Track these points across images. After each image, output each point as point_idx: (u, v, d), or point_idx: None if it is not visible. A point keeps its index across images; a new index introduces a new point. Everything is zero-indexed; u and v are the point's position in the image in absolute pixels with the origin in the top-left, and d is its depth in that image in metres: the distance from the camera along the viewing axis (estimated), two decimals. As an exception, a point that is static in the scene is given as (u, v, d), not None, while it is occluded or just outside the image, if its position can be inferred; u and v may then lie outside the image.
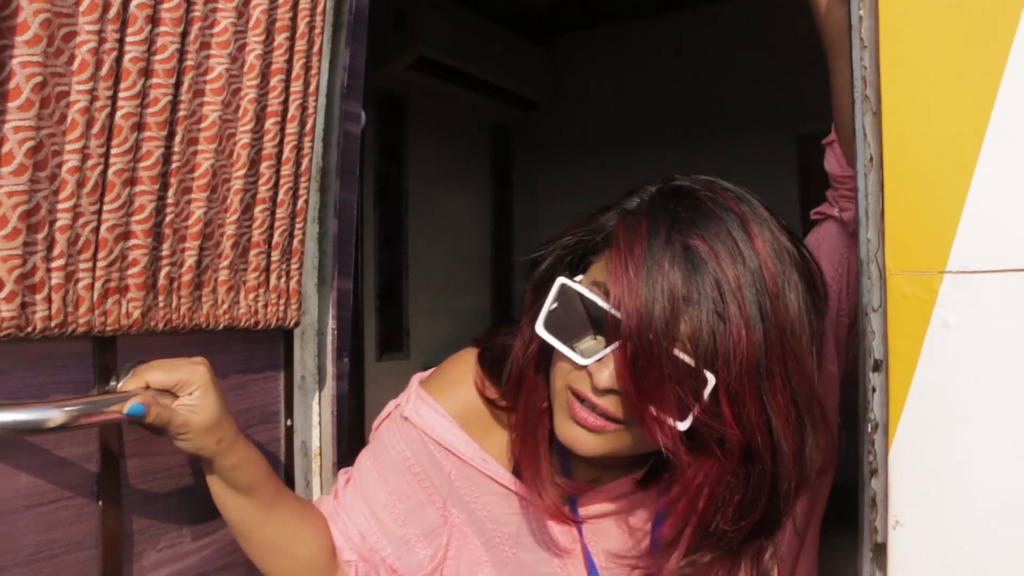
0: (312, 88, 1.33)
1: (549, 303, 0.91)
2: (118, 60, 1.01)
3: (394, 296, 4.07)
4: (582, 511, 1.06)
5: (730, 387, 0.81)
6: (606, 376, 0.85)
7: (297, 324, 1.39)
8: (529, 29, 4.44)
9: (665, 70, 4.45)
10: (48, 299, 0.96)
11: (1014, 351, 0.85)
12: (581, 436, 0.90)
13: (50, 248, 0.96)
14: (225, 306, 1.22)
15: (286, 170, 1.30)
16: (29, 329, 0.94)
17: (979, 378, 0.86)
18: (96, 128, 0.99)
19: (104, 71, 0.99)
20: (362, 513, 1.11)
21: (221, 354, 1.26)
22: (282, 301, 1.33)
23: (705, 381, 0.81)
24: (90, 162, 0.99)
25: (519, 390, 1.01)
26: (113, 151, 1.02)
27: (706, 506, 0.88)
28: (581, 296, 0.89)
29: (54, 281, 0.96)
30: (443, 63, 3.87)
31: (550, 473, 1.02)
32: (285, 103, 1.28)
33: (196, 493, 1.23)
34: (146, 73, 1.04)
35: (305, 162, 1.34)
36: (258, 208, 1.25)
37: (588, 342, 0.89)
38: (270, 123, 1.25)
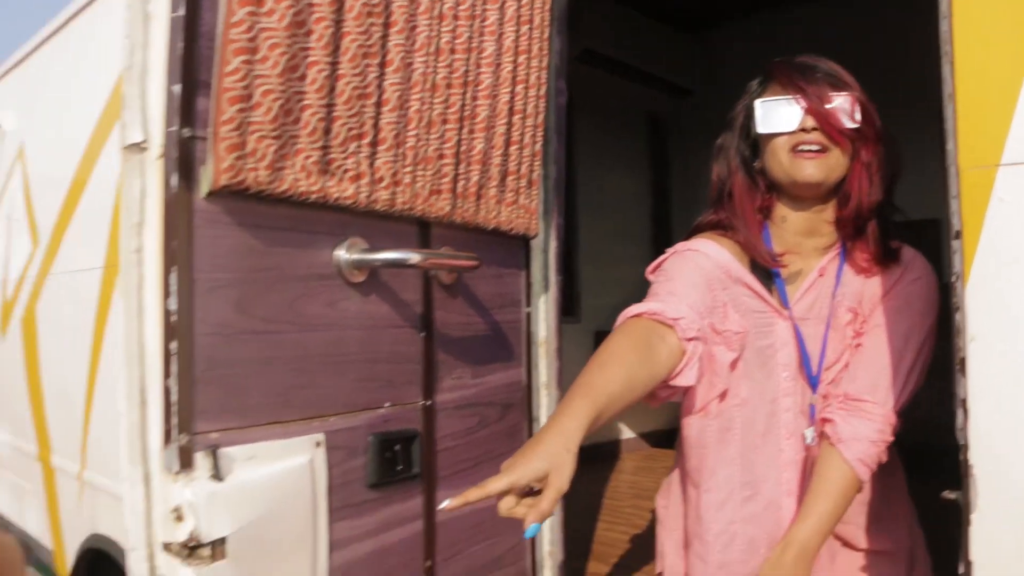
0: (544, 63, 1.93)
1: (759, 118, 1.48)
2: (438, 44, 1.62)
3: (567, 264, 4.60)
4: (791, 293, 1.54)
5: (860, 102, 1.44)
6: (810, 121, 1.43)
7: (536, 235, 1.97)
8: (683, 21, 4.90)
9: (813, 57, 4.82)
10: (403, 191, 1.57)
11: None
12: (808, 167, 1.43)
13: (403, 159, 1.57)
14: (493, 213, 1.81)
15: (529, 122, 1.89)
16: (393, 208, 1.55)
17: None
18: (428, 85, 1.60)
19: (432, 49, 1.60)
20: (678, 300, 1.48)
21: (489, 249, 1.85)
22: (526, 216, 1.92)
23: (851, 100, 1.42)
24: (425, 107, 1.60)
25: (733, 207, 1.55)
26: (435, 101, 1.63)
27: (869, 181, 1.45)
28: (774, 102, 1.47)
29: (406, 180, 1.58)
30: (605, 55, 4.39)
31: (767, 250, 1.54)
32: (527, 73, 1.87)
33: (473, 349, 1.82)
34: (451, 52, 1.66)
35: (541, 118, 1.93)
36: (512, 147, 1.85)
37: (786, 121, 1.46)
38: (519, 88, 1.85)
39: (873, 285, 1.53)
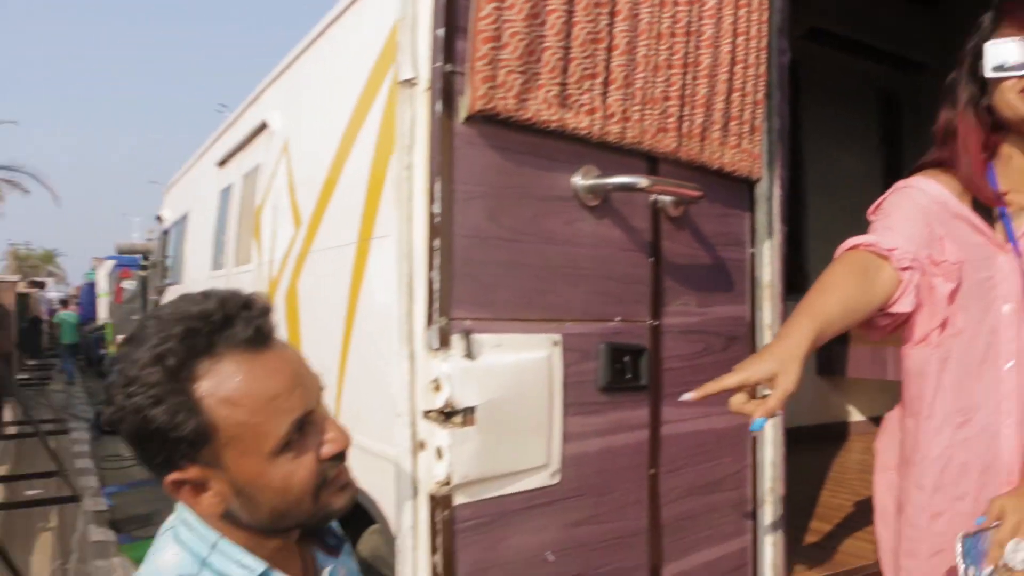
0: (764, 18, 2.05)
1: (988, 60, 1.51)
2: (661, 4, 1.80)
3: (794, 243, 4.54)
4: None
5: None
6: None
7: (759, 179, 2.09)
8: None
9: None
10: (633, 127, 1.76)
11: None
12: None
13: (632, 98, 1.76)
14: (717, 154, 1.96)
15: (750, 72, 2.02)
16: (623, 141, 1.74)
17: None
18: (654, 33, 1.78)
19: (657, 1, 1.78)
20: (893, 234, 1.62)
21: (713, 189, 1.99)
22: (750, 160, 2.04)
23: None
24: (651, 52, 1.78)
25: (957, 145, 1.61)
26: (661, 48, 1.81)
27: None
28: (1003, 42, 1.49)
29: (635, 116, 1.76)
30: (832, 32, 4.32)
31: (991, 187, 1.58)
32: (748, 26, 2.00)
33: (698, 279, 1.97)
34: (675, 5, 1.83)
35: (762, 68, 2.05)
36: (734, 94, 1.99)
37: (1016, 63, 1.49)
38: (740, 40, 1.99)
39: None
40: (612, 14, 1.72)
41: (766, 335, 2.18)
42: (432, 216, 1.51)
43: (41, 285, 20.74)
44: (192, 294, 1.06)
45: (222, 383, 1.00)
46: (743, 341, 2.11)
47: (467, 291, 1.54)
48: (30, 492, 6.97)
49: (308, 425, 1.07)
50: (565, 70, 1.65)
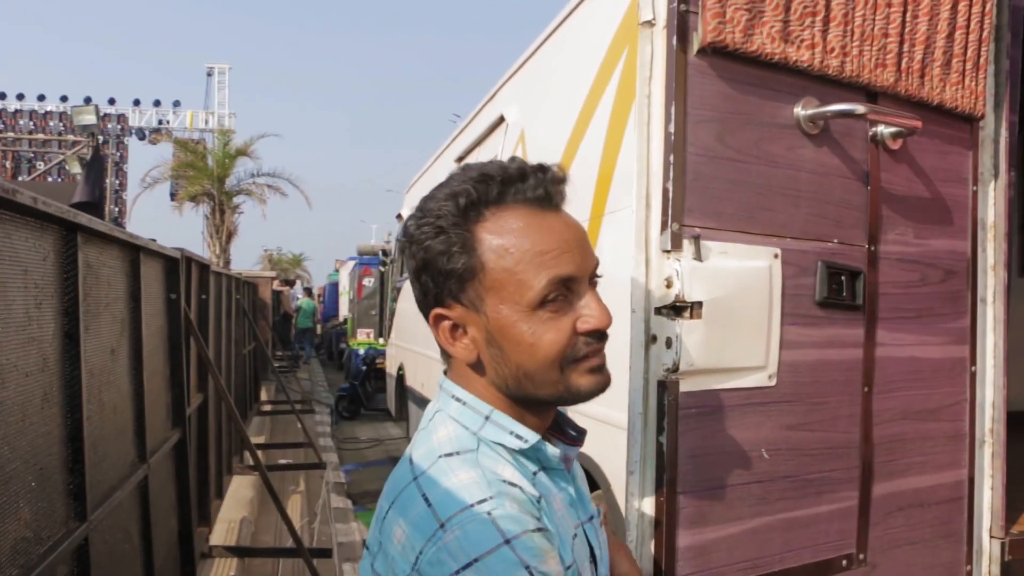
0: (992, -40, 2.13)
1: None
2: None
3: None
4: None
5: None
6: None
7: (982, 116, 2.17)
8: None
9: None
10: (851, 62, 1.91)
11: None
12: None
13: (851, 34, 1.92)
14: (937, 90, 2.07)
15: (975, 9, 2.11)
16: (842, 75, 1.90)
17: None
18: (875, -28, 1.93)
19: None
20: None
21: (933, 124, 2.10)
22: (972, 97, 2.13)
23: None
24: (872, -9, 1.93)
25: None
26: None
27: None
28: None
29: (854, 52, 1.92)
30: None
31: None
32: (974, -32, 2.10)
33: (914, 212, 2.09)
34: (899, -57, 1.97)
35: (989, 6, 2.13)
36: (958, 32, 2.09)
37: None
38: (964, -20, 2.08)
39: None
40: None
41: (989, 277, 2.25)
42: (668, 135, 1.74)
43: (291, 283, 23.05)
44: (498, 159, 1.16)
45: (501, 229, 1.07)
46: (961, 277, 2.20)
47: (697, 202, 1.76)
48: (283, 460, 7.87)
49: (572, 293, 1.09)
50: (788, 8, 1.84)
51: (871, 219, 2.01)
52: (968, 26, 2.11)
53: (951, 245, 2.18)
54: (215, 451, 5.20)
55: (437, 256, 1.08)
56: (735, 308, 1.77)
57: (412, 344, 7.30)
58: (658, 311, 1.75)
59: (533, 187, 1.09)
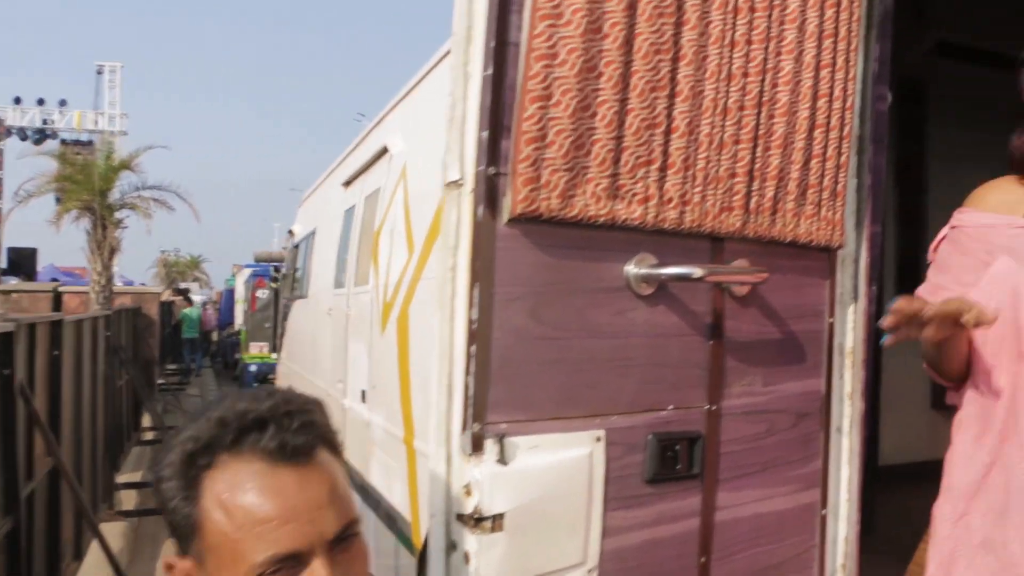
0: (851, 76, 1.97)
1: None
2: (729, 68, 1.76)
3: (913, 272, 4.41)
4: None
5: None
6: None
7: (840, 247, 2.03)
8: None
9: None
10: (692, 211, 1.74)
11: None
12: None
13: (694, 179, 1.74)
14: (791, 227, 1.92)
15: (832, 135, 1.95)
16: (681, 227, 1.74)
17: None
18: (719, 110, 1.75)
19: (723, 75, 1.75)
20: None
21: (785, 259, 1.96)
22: (829, 228, 1.99)
23: None
24: (715, 129, 1.76)
25: None
26: (727, 124, 1.77)
27: None
28: None
29: (695, 199, 1.75)
30: (963, 45, 4.11)
31: None
32: (831, 87, 1.94)
33: (765, 357, 1.95)
34: (744, 76, 1.79)
35: (846, 130, 1.98)
36: (813, 161, 1.93)
37: None
38: (821, 103, 1.92)
39: None
40: (671, 96, 1.71)
41: (846, 407, 2.14)
42: (470, 322, 1.55)
43: (184, 292, 22.27)
44: (264, 389, 1.04)
45: (226, 484, 0.96)
46: (815, 416, 2.08)
47: (504, 393, 1.59)
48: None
49: (300, 565, 0.94)
50: (617, 160, 1.65)
51: (713, 375, 1.87)
52: (824, 154, 1.96)
53: (804, 386, 2.05)
54: (73, 510, 4.82)
55: (164, 502, 0.99)
56: (548, 509, 1.61)
57: (301, 368, 7.03)
58: (459, 517, 1.58)
59: (271, 437, 0.96)
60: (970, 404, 1.70)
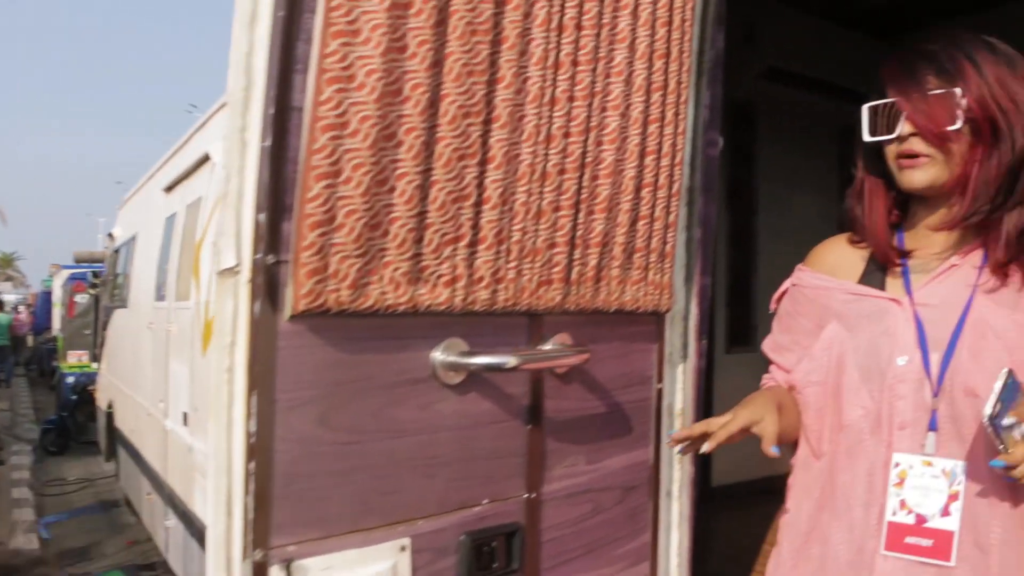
0: (680, 129, 1.85)
1: (866, 127, 1.49)
2: (548, 130, 1.60)
3: (744, 293, 4.50)
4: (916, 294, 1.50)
5: (975, 93, 1.39)
6: (907, 127, 1.42)
7: (668, 310, 1.92)
8: (874, 27, 4.56)
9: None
10: (506, 288, 1.58)
11: None
12: (908, 176, 1.45)
13: (508, 254, 1.58)
14: (616, 295, 1.79)
15: (661, 193, 1.83)
16: (494, 307, 1.57)
17: None
18: (536, 176, 1.59)
19: (542, 137, 1.59)
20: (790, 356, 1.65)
21: (610, 328, 1.83)
22: (656, 292, 1.87)
23: (953, 96, 1.39)
24: (532, 197, 1.59)
25: (863, 209, 1.59)
26: (546, 190, 1.62)
27: (984, 178, 1.41)
28: (878, 106, 1.47)
29: (510, 276, 1.59)
30: (791, 71, 4.18)
31: (892, 247, 1.54)
32: (660, 142, 1.81)
33: (590, 433, 1.82)
34: (565, 137, 1.63)
35: (676, 186, 1.86)
36: (640, 223, 1.80)
37: (885, 128, 1.46)
38: (649, 160, 1.79)
39: None
40: (482, 163, 1.53)
41: (675, 471, 2.05)
42: (248, 435, 1.34)
43: None
44: None
45: None
46: (643, 488, 1.97)
47: (291, 513, 1.38)
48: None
49: None
50: (420, 240, 1.47)
51: (532, 461, 1.72)
52: (652, 214, 1.84)
53: (630, 458, 1.94)
54: None
55: None
56: (344, 637, 1.43)
57: (121, 382, 6.55)
58: (242, 653, 1.38)
59: None
60: (795, 471, 1.63)
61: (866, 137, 1.50)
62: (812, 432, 1.58)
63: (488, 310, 1.57)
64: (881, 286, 1.55)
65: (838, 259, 1.65)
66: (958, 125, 1.39)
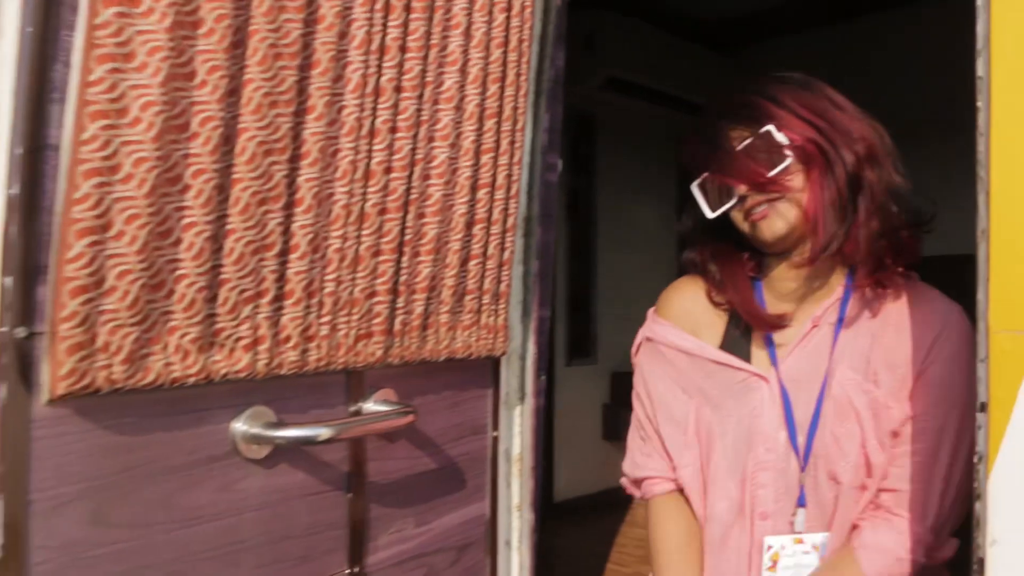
0: (516, 159, 1.70)
1: (703, 205, 1.43)
2: (367, 166, 1.42)
3: (583, 304, 4.47)
4: (780, 354, 1.45)
5: (791, 126, 1.36)
6: (740, 188, 1.38)
7: (504, 354, 1.77)
8: (716, 41, 4.63)
9: (856, 76, 4.51)
10: (318, 346, 1.39)
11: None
12: (763, 230, 1.39)
13: (320, 308, 1.39)
14: (445, 342, 1.62)
15: (495, 228, 1.68)
16: (306, 368, 1.38)
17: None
18: (353, 218, 1.40)
19: (359, 175, 1.40)
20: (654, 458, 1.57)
21: (440, 378, 1.67)
22: (491, 336, 1.72)
23: (768, 136, 1.36)
24: (348, 242, 1.41)
25: (720, 269, 1.52)
26: (364, 234, 1.43)
27: (821, 205, 1.36)
28: (699, 184, 1.44)
29: (322, 332, 1.40)
30: (631, 82, 4.16)
31: (756, 306, 1.47)
32: (494, 174, 1.66)
33: (420, 492, 1.65)
34: (388, 172, 1.45)
35: (511, 220, 1.72)
36: (472, 262, 1.64)
37: (723, 201, 1.42)
38: (482, 193, 1.63)
39: (895, 343, 1.38)
40: (290, 206, 1.33)
41: (514, 520, 1.91)
42: (-8, 547, 1.10)
43: None
44: None
45: None
46: (478, 544, 1.82)
47: (55, 635, 1.16)
48: None
49: None
50: (213, 299, 1.26)
51: (354, 533, 1.53)
52: (485, 252, 1.68)
53: (465, 515, 1.78)
54: None
55: None
56: None
57: None
58: None
59: None
60: None
61: (709, 214, 1.43)
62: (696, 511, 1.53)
63: (298, 372, 1.38)
64: (746, 355, 1.48)
65: (697, 311, 1.56)
66: (787, 162, 1.36)
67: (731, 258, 1.51)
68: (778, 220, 1.38)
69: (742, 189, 1.38)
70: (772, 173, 1.35)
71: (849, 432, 1.36)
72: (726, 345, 1.50)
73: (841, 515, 1.37)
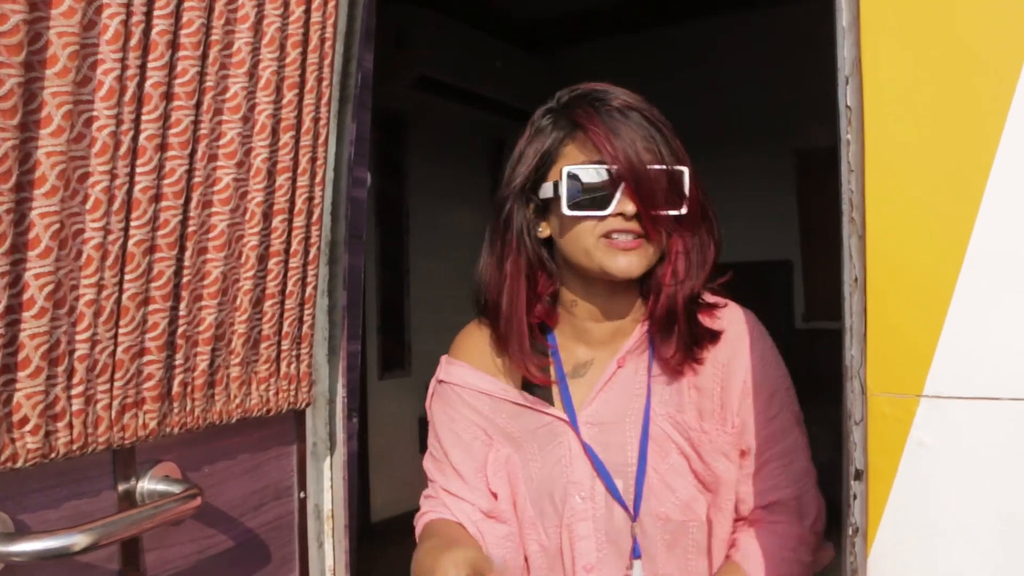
0: (318, 178, 1.44)
1: (564, 192, 1.19)
2: (129, 193, 1.11)
3: (396, 315, 4.23)
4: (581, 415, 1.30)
5: (692, 171, 1.22)
6: (630, 207, 1.17)
7: (308, 404, 1.50)
8: (530, 42, 4.54)
9: (666, 83, 4.55)
10: (69, 425, 1.08)
11: (984, 473, 0.94)
12: (624, 262, 1.19)
13: (70, 377, 1.08)
14: (237, 400, 1.34)
15: (294, 260, 1.40)
16: (53, 455, 1.06)
17: (952, 495, 0.95)
18: (111, 259, 1.10)
19: (117, 206, 1.09)
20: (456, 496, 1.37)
21: (235, 439, 1.38)
22: (293, 386, 1.44)
23: (682, 173, 1.20)
24: (107, 291, 1.10)
25: (501, 304, 1.30)
26: (129, 278, 1.13)
27: (686, 270, 1.25)
28: (584, 172, 1.19)
29: (75, 407, 1.08)
30: (443, 81, 3.98)
31: (533, 357, 1.31)
32: (292, 198, 1.38)
33: (234, 555, 1.37)
34: (156, 199, 1.15)
35: (313, 248, 1.45)
36: (268, 303, 1.36)
37: (600, 203, 1.18)
38: (278, 220, 1.36)
39: (700, 367, 1.28)
40: (19, 248, 1.01)
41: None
42: None
43: None
44: None
45: None
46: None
47: None
48: None
49: None
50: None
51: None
52: (284, 290, 1.40)
53: None
54: None
55: None
56: None
57: None
58: None
59: None
60: None
61: (567, 210, 1.20)
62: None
63: (45, 460, 1.06)
64: (549, 397, 1.33)
65: (476, 345, 1.42)
66: (684, 211, 1.21)
67: (526, 280, 1.31)
68: (640, 260, 1.21)
69: (630, 208, 1.18)
70: (676, 213, 1.20)
71: (673, 467, 1.26)
72: (528, 385, 1.35)
73: (680, 556, 1.27)
